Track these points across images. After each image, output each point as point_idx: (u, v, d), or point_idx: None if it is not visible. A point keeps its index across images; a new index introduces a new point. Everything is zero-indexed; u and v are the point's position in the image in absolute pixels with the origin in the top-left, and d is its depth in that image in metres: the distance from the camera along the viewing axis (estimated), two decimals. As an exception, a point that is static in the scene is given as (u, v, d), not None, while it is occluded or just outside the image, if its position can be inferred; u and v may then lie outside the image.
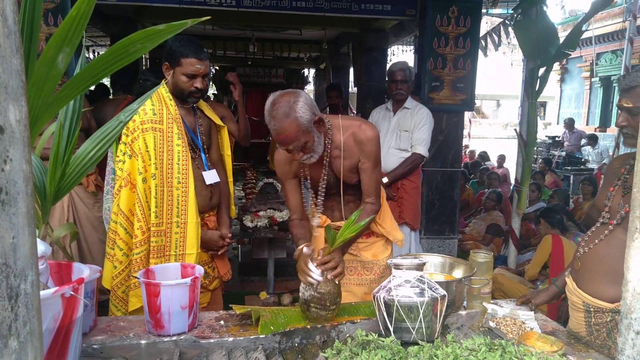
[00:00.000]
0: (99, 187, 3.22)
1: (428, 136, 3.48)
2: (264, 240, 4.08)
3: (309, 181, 2.03)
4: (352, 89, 9.38)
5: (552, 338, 1.47)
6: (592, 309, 1.61)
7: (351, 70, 8.95)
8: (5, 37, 0.61)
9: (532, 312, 1.72)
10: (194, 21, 0.70)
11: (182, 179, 2.06)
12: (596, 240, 1.61)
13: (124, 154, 2.00)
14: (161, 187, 2.03)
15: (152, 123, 2.02)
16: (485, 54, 7.01)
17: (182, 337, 1.49)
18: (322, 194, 2.01)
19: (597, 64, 13.32)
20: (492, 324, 1.62)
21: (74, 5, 0.68)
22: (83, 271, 1.35)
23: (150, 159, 2.00)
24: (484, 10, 5.66)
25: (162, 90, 2.07)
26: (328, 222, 2.07)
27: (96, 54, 9.65)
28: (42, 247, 1.20)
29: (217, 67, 12.35)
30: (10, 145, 0.64)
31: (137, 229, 1.99)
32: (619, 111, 1.58)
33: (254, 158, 10.86)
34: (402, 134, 3.47)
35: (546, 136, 12.60)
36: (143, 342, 1.46)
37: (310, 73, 13.37)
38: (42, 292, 0.99)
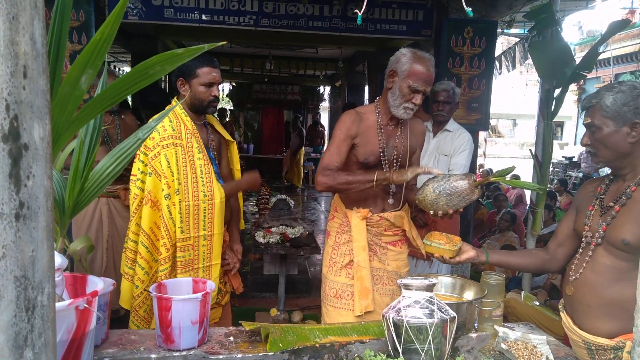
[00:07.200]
0: None
1: (467, 162, 3.25)
2: (276, 256, 4.09)
3: (383, 149, 2.14)
4: (367, 107, 9.40)
5: (451, 236, 1.81)
6: (593, 347, 1.57)
7: (366, 88, 9.02)
8: (33, 59, 0.65)
9: (544, 337, 1.69)
10: (211, 46, 0.73)
11: (208, 191, 2.07)
12: (584, 264, 1.59)
13: (142, 172, 2.02)
14: (186, 201, 2.02)
15: (173, 139, 2.03)
16: (495, 76, 6.95)
17: (191, 352, 1.50)
18: (396, 166, 2.17)
19: (615, 85, 13.17)
20: (504, 346, 1.60)
21: (98, 29, 0.72)
22: (97, 284, 1.38)
23: (172, 174, 2.00)
24: (499, 30, 5.67)
25: (177, 107, 2.10)
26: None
27: (117, 69, 9.87)
28: (58, 259, 1.22)
29: (234, 84, 12.53)
30: (34, 162, 0.66)
31: (162, 245, 1.99)
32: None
33: (268, 174, 10.93)
34: (441, 158, 3.25)
35: (563, 157, 12.48)
36: (153, 356, 1.47)
37: (325, 90, 13.46)
38: (57, 304, 1.01)
